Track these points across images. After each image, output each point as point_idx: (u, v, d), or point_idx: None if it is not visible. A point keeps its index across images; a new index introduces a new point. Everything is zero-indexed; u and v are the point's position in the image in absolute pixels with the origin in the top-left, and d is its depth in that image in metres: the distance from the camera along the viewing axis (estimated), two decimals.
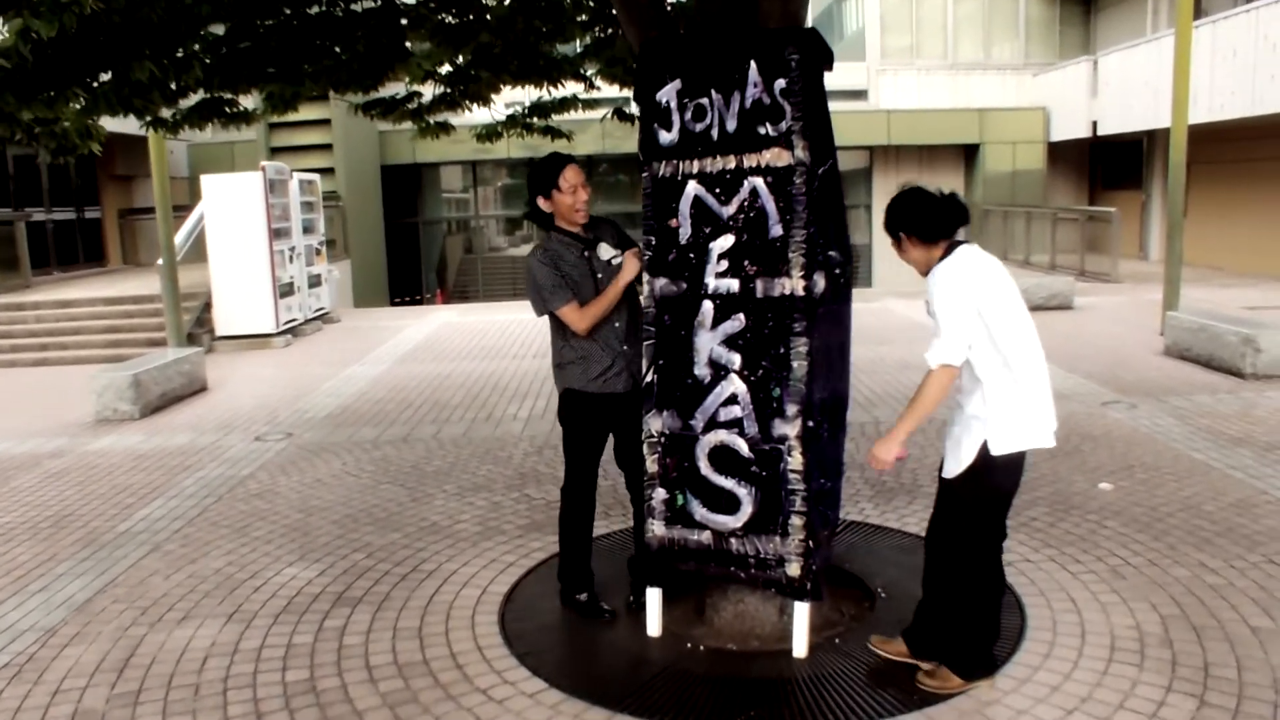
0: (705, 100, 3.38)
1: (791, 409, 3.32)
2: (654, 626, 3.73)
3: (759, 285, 3.35)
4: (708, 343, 3.45)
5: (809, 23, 4.92)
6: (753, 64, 3.27)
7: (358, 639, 3.83)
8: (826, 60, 3.30)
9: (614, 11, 5.44)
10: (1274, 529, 4.60)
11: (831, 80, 3.37)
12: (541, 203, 3.75)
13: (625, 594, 4.03)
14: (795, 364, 3.31)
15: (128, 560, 4.78)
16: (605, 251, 3.79)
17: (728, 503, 3.46)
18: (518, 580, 4.36)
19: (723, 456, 3.46)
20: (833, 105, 3.48)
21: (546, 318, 3.82)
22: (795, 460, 3.34)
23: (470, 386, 8.81)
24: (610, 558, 4.40)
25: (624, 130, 7.01)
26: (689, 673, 3.46)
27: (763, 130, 3.30)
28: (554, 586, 4.10)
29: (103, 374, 8.14)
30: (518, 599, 4.17)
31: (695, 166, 3.43)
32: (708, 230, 3.43)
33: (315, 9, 5.88)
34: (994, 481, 3.14)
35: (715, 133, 3.38)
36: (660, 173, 3.49)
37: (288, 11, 5.77)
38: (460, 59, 6.71)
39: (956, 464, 3.16)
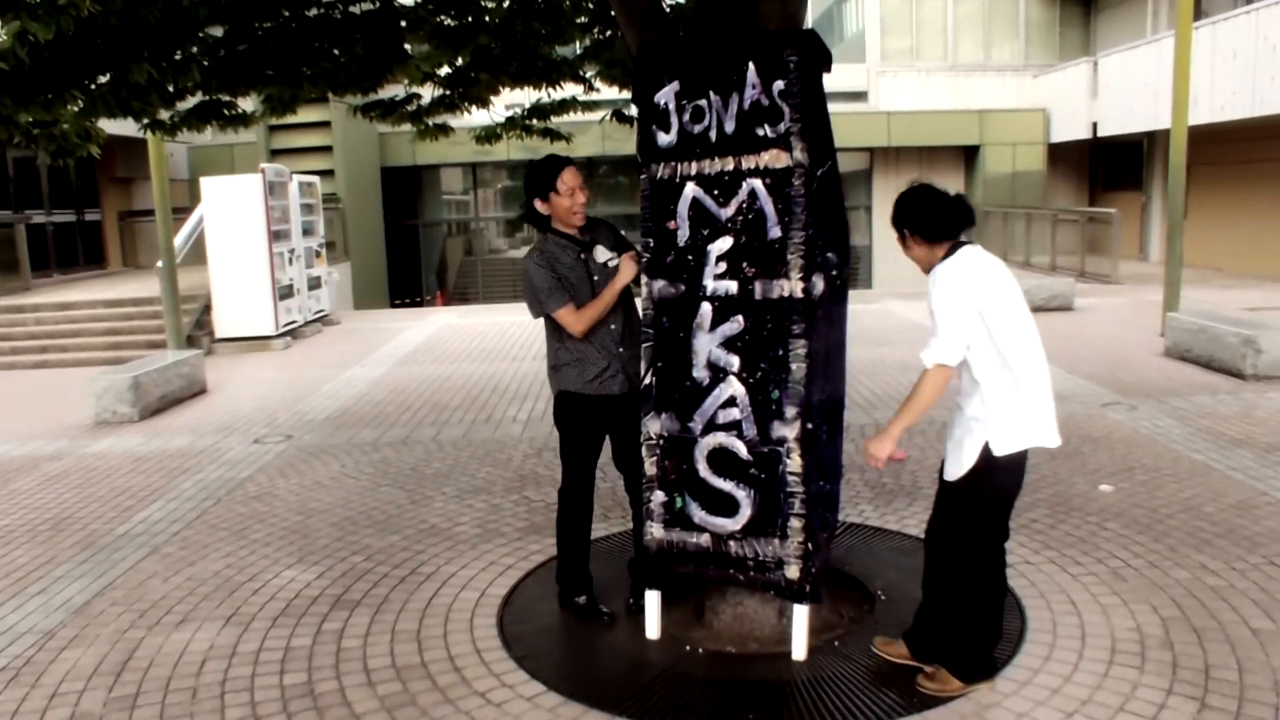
0: (704, 102, 3.37)
1: (790, 411, 3.32)
2: (653, 629, 3.72)
3: (757, 287, 3.34)
4: (706, 345, 3.44)
5: (808, 24, 4.91)
6: (751, 65, 3.27)
7: (356, 642, 3.82)
8: (825, 62, 3.29)
9: (613, 13, 5.44)
10: (1274, 530, 4.59)
11: (831, 82, 3.37)
12: (538, 204, 3.75)
13: (624, 596, 4.02)
14: (794, 366, 3.30)
15: (126, 563, 4.77)
16: (601, 254, 3.78)
17: (726, 505, 3.45)
18: (517, 583, 4.35)
19: (721, 459, 3.45)
20: (833, 107, 3.48)
21: (541, 320, 3.81)
22: (794, 462, 3.33)
23: (470, 389, 8.81)
24: (610, 560, 4.39)
25: (624, 132, 7.01)
26: (688, 675, 3.45)
27: (761, 132, 3.29)
28: (553, 589, 4.10)
29: (102, 376, 8.14)
30: (516, 602, 4.16)
31: (694, 168, 3.42)
32: (706, 232, 3.42)
33: (314, 11, 5.88)
34: (996, 482, 3.14)
35: (714, 134, 3.37)
36: (658, 174, 3.48)
37: (286, 14, 5.78)
38: (459, 61, 6.71)
39: (958, 466, 3.15)
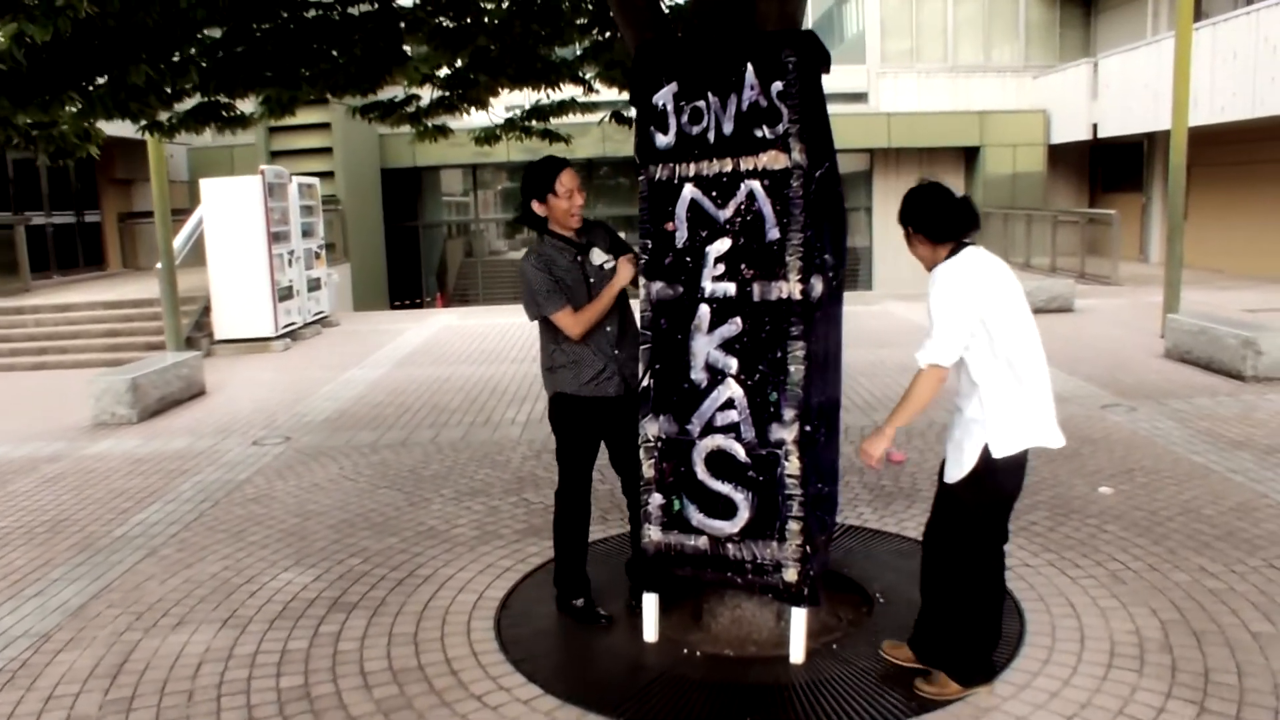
0: (702, 103, 3.36)
1: (789, 413, 3.30)
2: (650, 632, 3.71)
3: (756, 289, 3.33)
4: (704, 347, 3.43)
5: (808, 25, 4.90)
6: (749, 66, 3.26)
7: (353, 644, 3.81)
8: (824, 62, 3.28)
9: (611, 14, 5.43)
10: (1274, 533, 4.58)
11: (831, 83, 3.36)
12: (536, 206, 3.74)
13: (622, 599, 4.01)
14: (792, 368, 3.29)
15: (123, 565, 4.76)
16: (598, 256, 3.77)
17: (724, 508, 3.44)
18: (514, 585, 4.34)
19: (719, 461, 3.44)
20: (833, 108, 3.47)
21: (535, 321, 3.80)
22: (792, 465, 3.32)
23: (469, 390, 8.80)
24: (608, 562, 4.38)
25: (623, 133, 7.00)
26: (686, 678, 3.44)
27: (759, 133, 3.28)
28: (550, 591, 4.08)
29: (101, 378, 8.13)
30: (514, 604, 4.15)
31: (692, 169, 3.41)
32: (704, 234, 3.41)
33: (312, 12, 5.88)
34: (996, 484, 3.13)
35: (712, 135, 3.36)
36: (656, 176, 3.47)
37: (284, 15, 5.77)
38: (458, 62, 6.71)
39: (958, 468, 3.14)
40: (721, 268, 3.38)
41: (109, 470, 6.56)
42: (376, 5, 5.94)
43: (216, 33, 5.72)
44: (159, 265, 10.96)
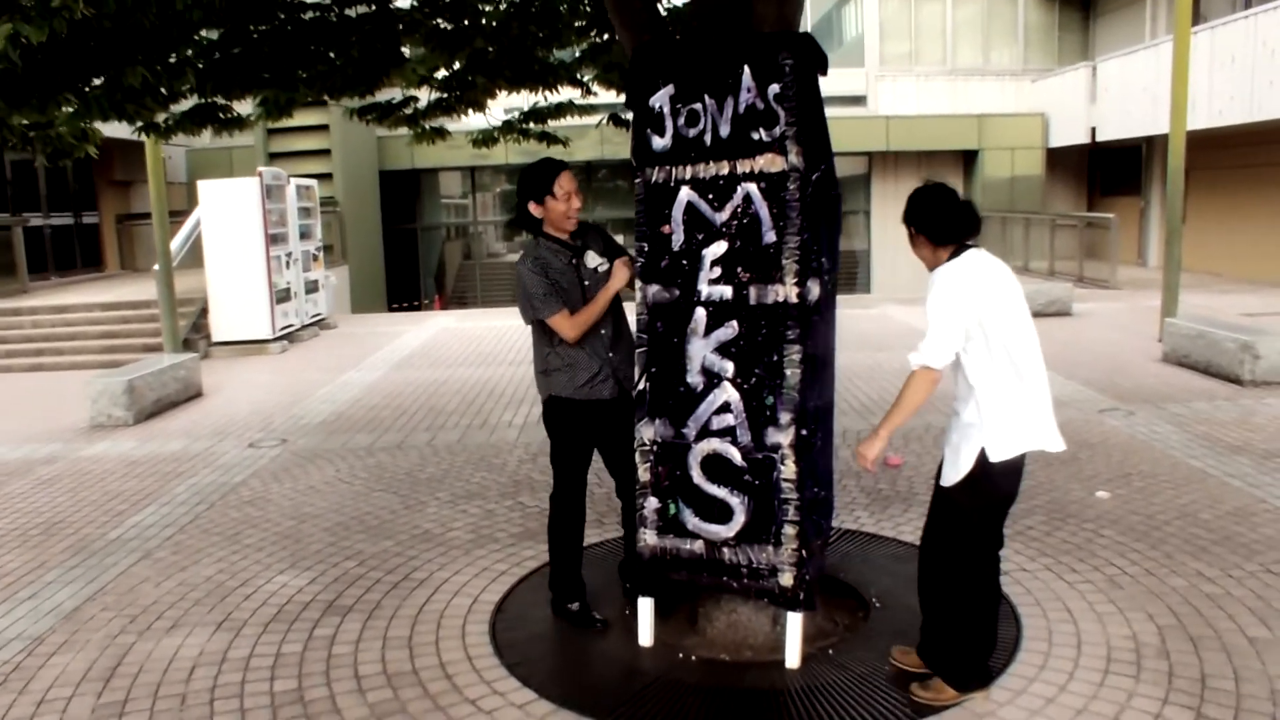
0: (698, 105, 3.36)
1: (785, 417, 3.29)
2: (646, 636, 3.70)
3: (752, 292, 3.32)
4: (700, 350, 3.42)
5: (807, 28, 4.89)
6: (746, 69, 3.25)
7: (347, 648, 3.79)
8: (821, 65, 3.27)
9: (609, 16, 5.42)
10: (1271, 538, 4.57)
11: (830, 86, 3.35)
12: (533, 208, 3.72)
13: (618, 603, 4.00)
14: (789, 371, 3.28)
15: (118, 568, 4.74)
16: (592, 259, 3.76)
17: (720, 512, 3.43)
18: (510, 589, 4.32)
19: (715, 465, 3.43)
20: (831, 111, 3.46)
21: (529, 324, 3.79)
22: (788, 469, 3.30)
23: (466, 393, 8.79)
24: (604, 566, 4.37)
25: (622, 136, 6.99)
26: (681, 683, 3.42)
27: (756, 135, 3.27)
28: (546, 595, 4.07)
29: (98, 379, 8.11)
30: (509, 608, 4.13)
31: (688, 172, 3.40)
32: (700, 236, 3.40)
33: (309, 14, 5.86)
34: (992, 487, 3.12)
35: (708, 138, 3.35)
36: (653, 178, 3.46)
37: (281, 16, 5.76)
38: (456, 64, 6.70)
39: (955, 472, 3.13)
40: (718, 271, 3.37)
41: (104, 472, 6.54)
42: (374, 7, 5.94)
43: (213, 34, 5.71)
44: (156, 267, 10.94)
